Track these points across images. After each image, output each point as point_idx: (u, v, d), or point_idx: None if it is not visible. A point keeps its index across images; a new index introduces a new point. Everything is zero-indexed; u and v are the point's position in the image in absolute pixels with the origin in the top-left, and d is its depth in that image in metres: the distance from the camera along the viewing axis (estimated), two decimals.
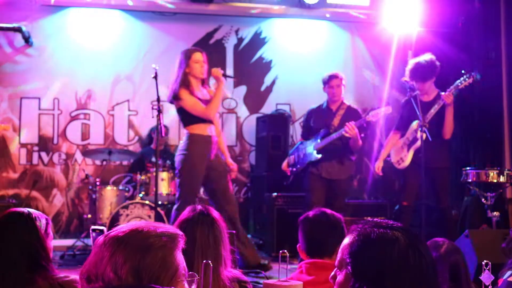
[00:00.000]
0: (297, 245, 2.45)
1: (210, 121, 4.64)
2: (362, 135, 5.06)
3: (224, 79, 4.68)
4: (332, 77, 5.11)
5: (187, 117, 4.62)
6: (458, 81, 4.80)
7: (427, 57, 4.91)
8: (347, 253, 1.41)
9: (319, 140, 5.06)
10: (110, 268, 1.24)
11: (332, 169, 5.03)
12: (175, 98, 4.59)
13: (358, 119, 4.97)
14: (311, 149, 5.09)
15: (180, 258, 1.32)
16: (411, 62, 5.00)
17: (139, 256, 1.25)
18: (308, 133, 5.28)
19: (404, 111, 5.17)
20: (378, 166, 5.12)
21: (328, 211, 2.44)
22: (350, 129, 4.76)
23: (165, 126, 6.39)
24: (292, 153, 5.40)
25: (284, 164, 5.35)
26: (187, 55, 4.65)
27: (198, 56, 4.64)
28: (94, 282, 1.25)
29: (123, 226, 1.33)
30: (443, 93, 4.79)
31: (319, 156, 5.00)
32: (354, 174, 6.40)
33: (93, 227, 1.99)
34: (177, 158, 4.66)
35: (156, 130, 4.68)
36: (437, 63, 4.91)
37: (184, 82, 4.58)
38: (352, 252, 1.40)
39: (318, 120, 5.17)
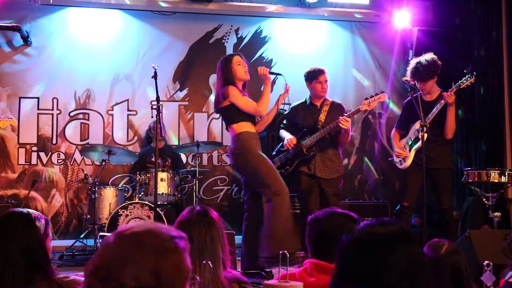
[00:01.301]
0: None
1: (252, 120, 4.61)
2: (351, 133, 5.01)
3: (270, 76, 4.64)
4: (321, 71, 5.06)
5: (235, 114, 4.52)
6: (460, 81, 4.79)
7: (428, 56, 4.90)
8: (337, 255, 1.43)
9: (307, 138, 4.98)
10: (128, 269, 1.22)
11: (324, 167, 4.97)
12: (224, 97, 4.49)
13: (343, 113, 4.93)
14: (300, 148, 4.99)
15: (189, 261, 1.31)
16: (412, 62, 4.98)
17: (157, 258, 1.24)
18: (292, 128, 5.16)
19: (404, 111, 5.16)
20: (399, 151, 5.07)
21: (340, 211, 2.33)
22: (345, 121, 4.72)
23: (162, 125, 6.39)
24: (276, 155, 5.26)
25: None
26: (228, 60, 4.59)
27: (238, 59, 4.60)
28: (106, 281, 1.22)
29: (134, 226, 1.30)
30: (445, 93, 4.77)
31: (310, 153, 4.94)
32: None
33: (101, 233, 1.98)
34: (233, 160, 4.55)
35: (156, 129, 4.67)
36: (439, 62, 4.89)
37: (231, 81, 4.52)
38: (339, 254, 1.42)
39: (304, 118, 5.09)
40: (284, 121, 5.31)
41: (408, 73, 4.97)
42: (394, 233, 1.39)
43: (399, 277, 1.33)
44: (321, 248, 2.19)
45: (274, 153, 5.33)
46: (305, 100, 5.20)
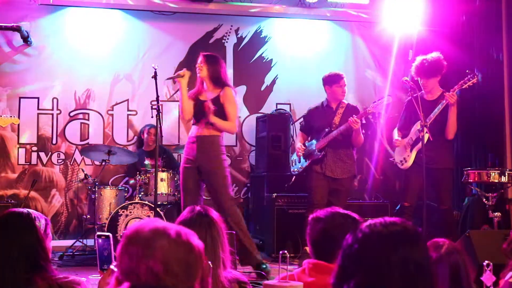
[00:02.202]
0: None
1: (200, 122, 4.70)
2: (363, 131, 5.11)
3: (178, 79, 4.75)
4: (341, 77, 5.18)
5: None
6: (462, 81, 4.79)
7: (434, 55, 4.96)
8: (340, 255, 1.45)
9: (321, 139, 5.12)
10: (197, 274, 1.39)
11: (335, 167, 5.09)
12: None
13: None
14: (313, 148, 5.15)
15: None
16: (418, 58, 5.02)
17: (201, 258, 1.41)
18: (309, 131, 5.37)
19: (406, 111, 5.16)
20: (396, 140, 5.09)
21: (341, 211, 2.30)
22: (354, 122, 4.85)
23: (153, 127, 6.39)
24: (293, 156, 5.54)
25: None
26: None
27: (198, 59, 4.80)
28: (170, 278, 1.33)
29: (186, 231, 1.43)
30: (446, 93, 4.77)
31: (321, 154, 5.07)
32: (356, 174, 6.30)
33: (98, 233, 1.97)
34: None
35: (156, 129, 4.67)
36: (444, 62, 4.92)
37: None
38: (342, 253, 1.43)
39: (319, 120, 5.23)
40: (302, 123, 5.52)
41: (413, 69, 5.00)
42: (397, 233, 1.38)
43: (401, 278, 1.33)
44: (321, 248, 2.19)
45: (293, 156, 5.59)
46: (322, 103, 5.31)
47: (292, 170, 5.47)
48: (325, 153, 5.08)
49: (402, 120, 5.21)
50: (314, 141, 5.21)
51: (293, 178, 5.54)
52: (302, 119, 5.60)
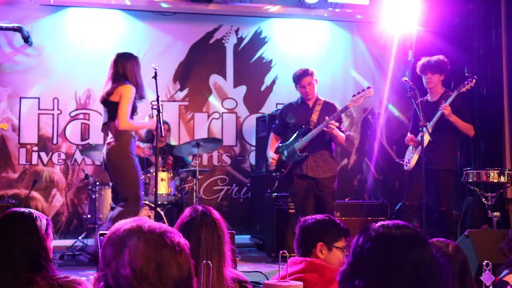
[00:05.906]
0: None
1: None
2: (342, 129, 4.96)
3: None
4: (301, 76, 4.97)
5: None
6: (462, 84, 4.81)
7: (440, 56, 5.00)
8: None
9: (300, 139, 4.91)
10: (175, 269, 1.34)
11: (316, 167, 4.90)
12: None
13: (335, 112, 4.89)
14: (294, 149, 4.94)
15: None
16: (423, 58, 5.07)
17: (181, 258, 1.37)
18: (283, 130, 5.15)
19: (413, 119, 5.14)
20: (408, 137, 5.06)
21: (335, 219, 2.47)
22: (331, 125, 4.72)
23: (166, 123, 6.41)
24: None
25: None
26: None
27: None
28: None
29: (165, 228, 1.37)
30: (441, 105, 4.76)
31: (303, 154, 4.88)
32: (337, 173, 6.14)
33: (100, 231, 1.98)
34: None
35: (157, 129, 4.68)
36: (448, 65, 4.95)
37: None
38: (354, 252, 1.47)
39: (295, 117, 5.03)
40: (276, 121, 5.31)
41: (418, 66, 5.01)
42: (409, 236, 1.43)
43: (410, 278, 1.37)
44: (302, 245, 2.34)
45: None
46: (297, 99, 5.14)
47: (274, 174, 5.22)
48: (307, 153, 4.86)
49: (412, 123, 5.19)
50: (291, 142, 4.98)
51: (276, 183, 5.43)
52: (277, 117, 5.35)
